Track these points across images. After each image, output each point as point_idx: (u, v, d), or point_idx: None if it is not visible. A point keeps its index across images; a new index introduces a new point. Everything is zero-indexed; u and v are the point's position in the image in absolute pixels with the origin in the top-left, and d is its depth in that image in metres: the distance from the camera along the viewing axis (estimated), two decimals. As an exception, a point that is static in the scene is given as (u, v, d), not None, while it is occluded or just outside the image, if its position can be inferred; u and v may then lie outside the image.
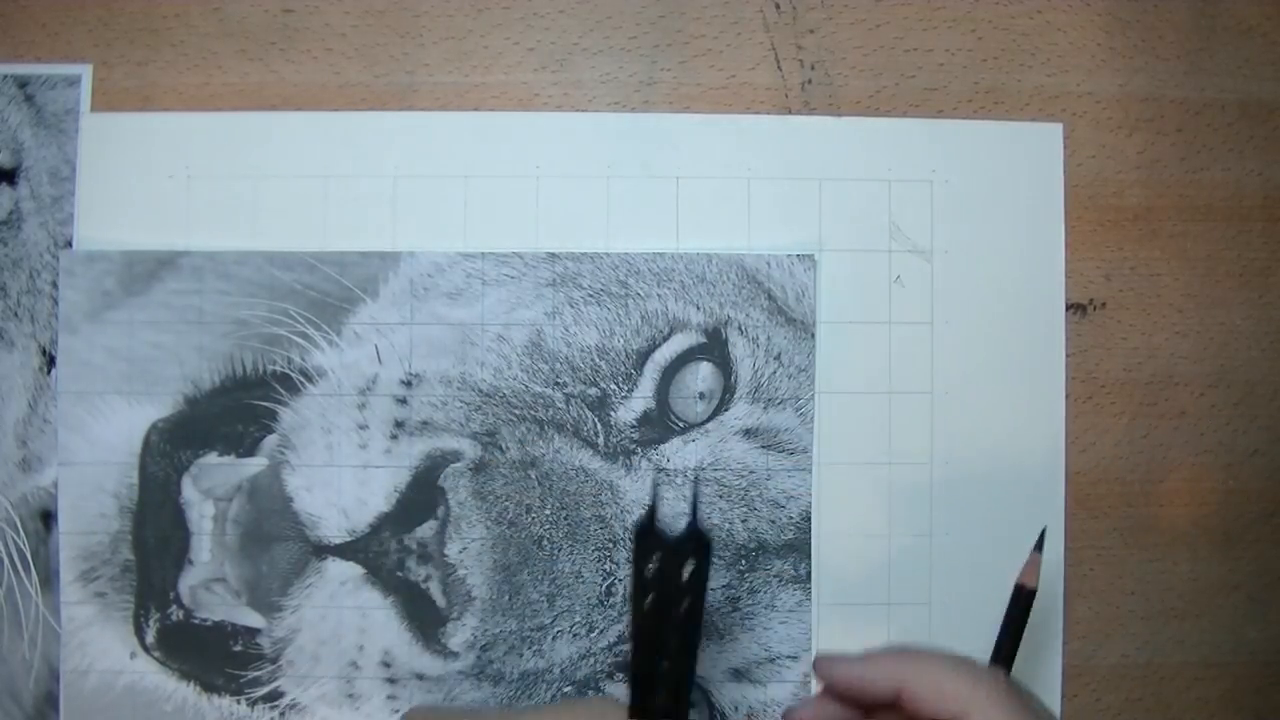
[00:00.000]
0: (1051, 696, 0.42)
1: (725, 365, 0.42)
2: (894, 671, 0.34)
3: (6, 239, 0.41)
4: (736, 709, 0.42)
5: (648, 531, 0.34)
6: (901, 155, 0.43)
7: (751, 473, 0.41)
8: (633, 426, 0.41)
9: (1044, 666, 0.42)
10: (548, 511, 0.41)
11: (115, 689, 0.41)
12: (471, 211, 0.42)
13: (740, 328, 0.42)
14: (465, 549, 0.41)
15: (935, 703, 0.32)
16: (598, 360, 0.41)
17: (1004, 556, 0.42)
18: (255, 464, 0.41)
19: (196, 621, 0.41)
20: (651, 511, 0.35)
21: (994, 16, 0.43)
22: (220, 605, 0.41)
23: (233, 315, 0.41)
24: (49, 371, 0.41)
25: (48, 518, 0.41)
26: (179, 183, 0.42)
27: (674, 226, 0.42)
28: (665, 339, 0.41)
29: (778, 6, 0.43)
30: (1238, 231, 0.44)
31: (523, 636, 0.41)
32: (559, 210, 0.42)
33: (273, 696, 0.41)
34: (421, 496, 0.41)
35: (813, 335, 0.42)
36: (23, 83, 0.42)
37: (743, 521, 0.41)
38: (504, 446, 0.41)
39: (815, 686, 0.42)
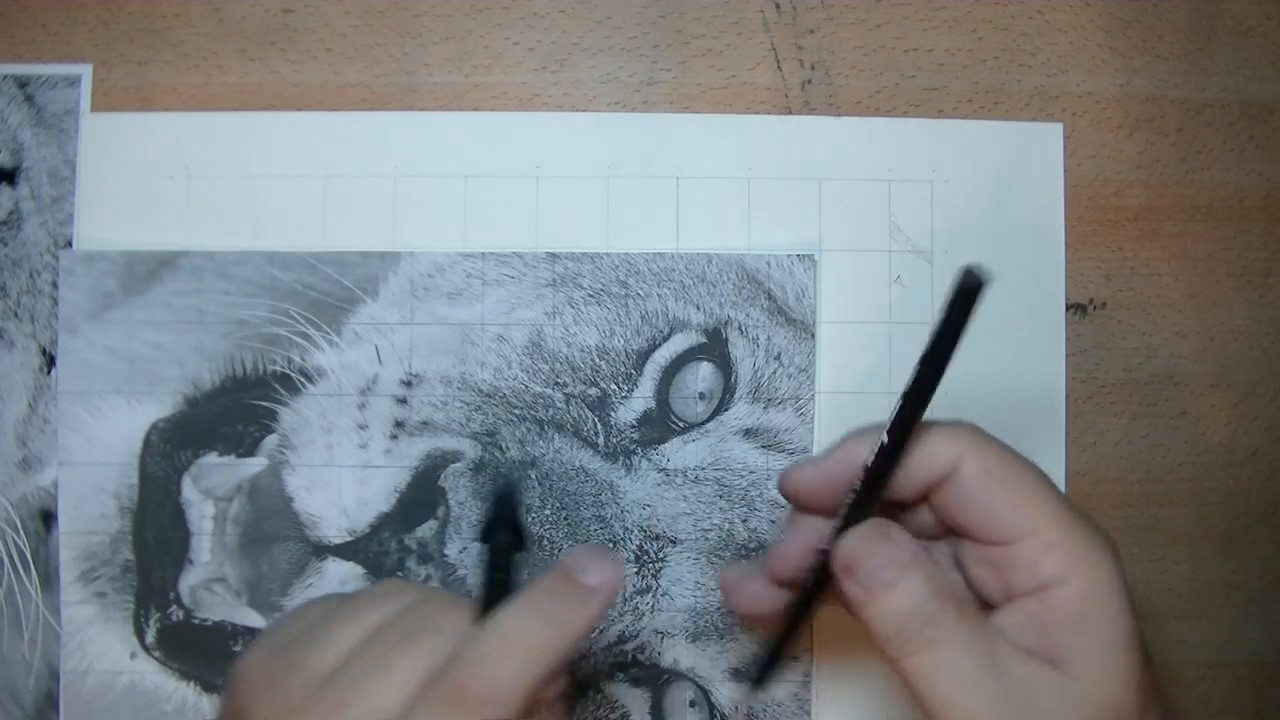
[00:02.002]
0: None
1: (725, 365, 0.42)
2: (860, 453, 0.31)
3: (6, 239, 0.41)
4: (736, 709, 0.42)
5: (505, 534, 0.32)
6: (901, 155, 0.43)
7: (752, 473, 0.41)
8: (633, 426, 0.41)
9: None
10: (548, 511, 0.41)
11: (115, 689, 0.41)
12: (471, 211, 0.42)
13: (740, 328, 0.42)
14: (465, 549, 0.41)
15: (923, 463, 0.31)
16: (598, 360, 0.41)
17: (1004, 556, 0.42)
18: (255, 464, 0.41)
19: (196, 621, 0.41)
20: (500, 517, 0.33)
21: (994, 16, 0.43)
22: (220, 605, 0.41)
23: (233, 315, 0.41)
24: (49, 371, 0.41)
25: (48, 518, 0.41)
26: (179, 183, 0.42)
27: (674, 226, 0.42)
28: (665, 339, 0.41)
29: (778, 6, 0.43)
30: (1238, 231, 0.44)
31: (523, 636, 0.41)
32: (559, 210, 0.42)
33: (273, 696, 0.41)
34: (421, 496, 0.41)
35: (813, 335, 0.42)
36: (23, 83, 0.42)
37: (743, 521, 0.41)
38: (504, 446, 0.41)
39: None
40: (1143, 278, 0.43)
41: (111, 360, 0.41)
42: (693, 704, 0.41)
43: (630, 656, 0.41)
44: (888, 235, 0.42)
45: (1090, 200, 0.43)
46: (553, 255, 0.42)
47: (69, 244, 0.41)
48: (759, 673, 0.35)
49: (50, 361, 0.41)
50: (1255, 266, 0.44)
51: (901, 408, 0.30)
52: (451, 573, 0.41)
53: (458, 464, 0.41)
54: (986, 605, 0.31)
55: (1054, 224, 0.43)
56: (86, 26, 0.42)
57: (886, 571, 0.30)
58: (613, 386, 0.41)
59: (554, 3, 0.43)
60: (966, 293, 0.29)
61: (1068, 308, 0.43)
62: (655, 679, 0.41)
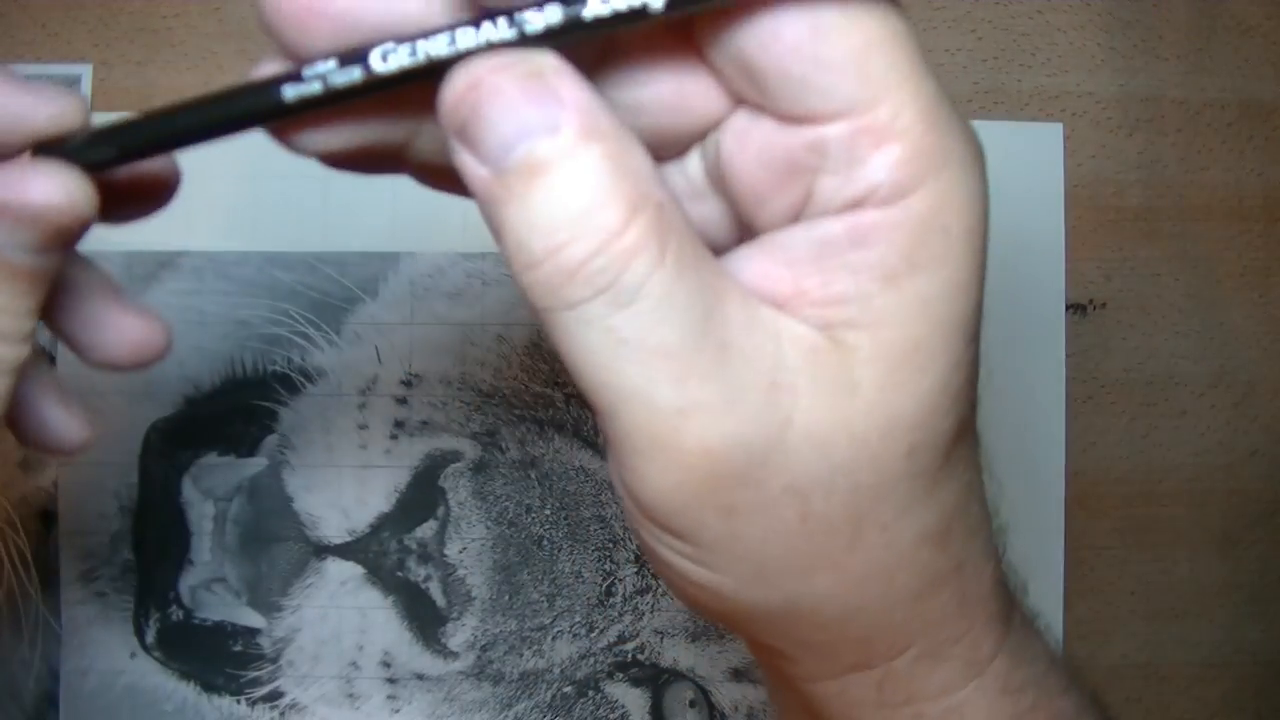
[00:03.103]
0: (1051, 696, 0.42)
1: (725, 365, 0.42)
2: None
3: (6, 239, 0.41)
4: (736, 709, 0.42)
5: None
6: (901, 155, 0.43)
7: (751, 473, 0.41)
8: (633, 426, 0.41)
9: (1044, 666, 0.42)
10: (548, 511, 0.41)
11: (115, 689, 0.41)
12: (471, 212, 0.42)
13: (740, 328, 0.42)
14: (465, 549, 0.41)
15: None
16: (598, 360, 0.41)
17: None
18: (255, 464, 0.41)
19: (196, 621, 0.41)
20: None
21: (994, 16, 0.43)
22: (220, 605, 0.41)
23: (233, 315, 0.41)
24: (49, 371, 0.41)
25: (48, 518, 0.41)
26: (179, 183, 0.42)
27: (674, 226, 0.42)
28: (665, 339, 0.41)
29: (778, 6, 0.43)
30: (1238, 232, 0.44)
31: (523, 636, 0.41)
32: (559, 210, 0.42)
33: (273, 696, 0.41)
34: (421, 496, 0.41)
35: (813, 335, 0.42)
36: (23, 83, 0.42)
37: (743, 521, 0.41)
38: (504, 446, 0.41)
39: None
40: (1143, 278, 0.43)
41: (111, 360, 0.41)
42: (693, 704, 0.41)
43: (630, 656, 0.41)
44: (888, 235, 0.42)
45: (1090, 200, 0.43)
46: (553, 255, 0.42)
47: (69, 244, 0.41)
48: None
49: (50, 361, 0.41)
50: (1255, 266, 0.44)
51: None
52: (451, 572, 0.41)
53: (458, 464, 0.41)
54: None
55: (1054, 224, 0.43)
56: (86, 26, 0.42)
57: (538, 139, 0.17)
58: (613, 386, 0.41)
59: (554, 3, 0.43)
60: None
61: (1068, 308, 0.43)
62: (655, 679, 0.41)
